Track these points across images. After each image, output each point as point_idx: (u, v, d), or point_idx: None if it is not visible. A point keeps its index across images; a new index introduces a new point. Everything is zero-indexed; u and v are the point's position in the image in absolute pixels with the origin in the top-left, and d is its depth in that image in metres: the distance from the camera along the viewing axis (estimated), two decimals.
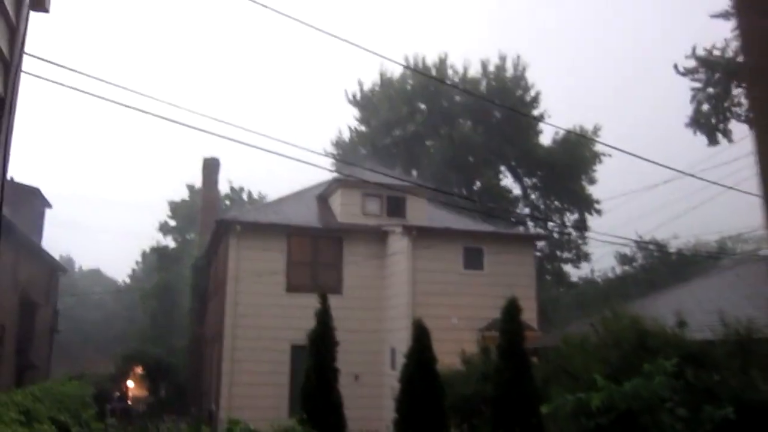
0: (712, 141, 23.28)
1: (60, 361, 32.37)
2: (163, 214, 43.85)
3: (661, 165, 10.32)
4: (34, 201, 25.76)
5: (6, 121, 2.58)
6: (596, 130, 34.46)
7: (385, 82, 37.34)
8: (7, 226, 19.87)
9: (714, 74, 22.46)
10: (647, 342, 8.87)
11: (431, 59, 36.59)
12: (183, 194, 42.93)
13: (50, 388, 14.72)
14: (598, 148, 35.00)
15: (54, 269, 29.53)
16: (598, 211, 34.61)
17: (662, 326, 9.19)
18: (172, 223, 42.82)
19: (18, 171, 52.75)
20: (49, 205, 27.77)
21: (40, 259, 26.43)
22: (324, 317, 10.16)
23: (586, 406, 6.97)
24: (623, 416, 6.88)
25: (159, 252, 37.43)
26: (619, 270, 40.74)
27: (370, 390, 17.06)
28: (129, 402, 24.47)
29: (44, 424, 9.29)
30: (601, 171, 35.69)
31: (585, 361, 9.45)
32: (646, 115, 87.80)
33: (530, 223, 35.04)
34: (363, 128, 38.22)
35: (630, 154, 10.04)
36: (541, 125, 35.74)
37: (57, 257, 38.25)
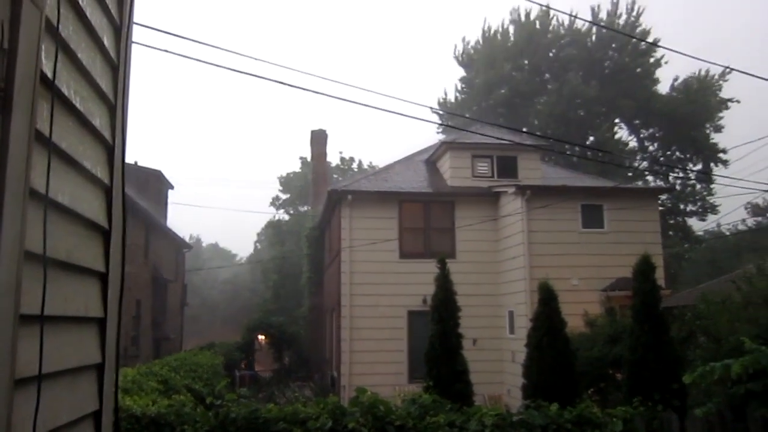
0: None
1: (191, 333, 34.45)
2: (276, 189, 45.28)
3: None
4: (157, 183, 27.20)
5: (121, 88, 2.47)
6: (724, 73, 31.76)
7: (488, 39, 36.23)
8: (135, 208, 21.06)
9: None
10: None
11: (535, 10, 34.98)
12: (295, 168, 44.03)
13: (185, 359, 15.61)
14: (726, 93, 32.30)
15: (180, 246, 31.24)
16: (725, 162, 32.05)
17: None
18: (285, 196, 44.09)
19: (141, 155, 56.04)
20: (171, 187, 29.26)
21: (167, 238, 27.99)
22: (444, 282, 9.94)
23: (734, 372, 6.33)
24: None
25: (274, 226, 38.70)
26: (750, 222, 37.98)
27: (488, 354, 16.82)
28: (256, 370, 25.56)
29: (181, 394, 9.77)
30: (728, 118, 32.95)
31: (729, 322, 8.73)
32: None
33: (649, 177, 33.09)
34: (468, 88, 37.44)
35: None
36: (658, 72, 33.42)
37: (187, 236, 40.48)
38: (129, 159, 25.83)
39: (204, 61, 6.65)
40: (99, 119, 2.27)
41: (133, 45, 2.92)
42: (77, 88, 2.03)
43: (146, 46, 5.38)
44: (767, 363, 6.27)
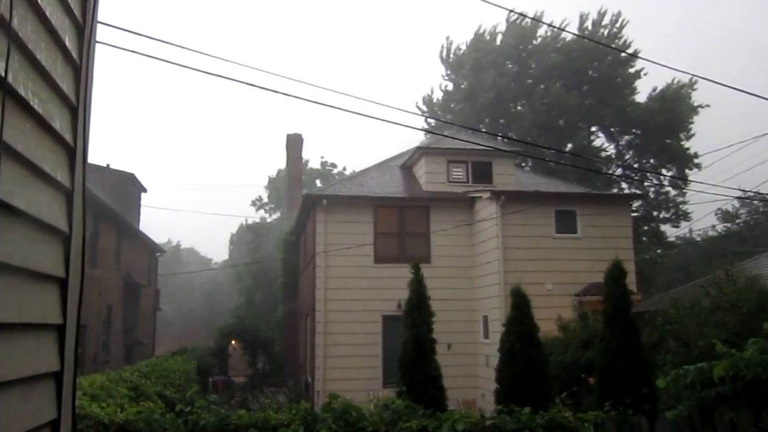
0: None
1: (164, 339, 34.03)
2: (257, 192, 45.51)
3: None
4: (130, 186, 26.86)
5: (83, 89, 2.42)
6: (692, 83, 32.44)
7: (477, 42, 36.40)
8: (107, 211, 20.77)
9: None
10: None
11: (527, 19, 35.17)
12: (281, 166, 44.11)
13: (156, 365, 15.41)
14: (696, 100, 33.02)
15: (153, 251, 30.86)
16: (698, 165, 32.64)
17: None
18: (266, 198, 44.22)
19: (113, 157, 55.30)
20: (144, 190, 28.92)
21: (140, 242, 27.65)
22: (418, 287, 9.93)
23: (708, 375, 6.39)
24: (749, 385, 6.29)
25: (251, 230, 38.47)
26: (720, 228, 38.66)
27: (463, 359, 16.88)
28: (229, 375, 25.32)
29: (151, 400, 9.62)
30: (699, 125, 33.58)
31: (698, 326, 8.85)
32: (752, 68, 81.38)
33: (624, 185, 33.57)
34: (452, 90, 37.66)
35: (742, 91, 9.15)
36: (637, 84, 34.04)
37: (164, 241, 39.76)
38: (101, 162, 25.43)
39: (177, 64, 6.56)
40: (60, 121, 2.22)
41: (106, 47, 2.86)
42: (36, 89, 1.98)
43: (112, 46, 5.28)
44: (744, 367, 6.32)
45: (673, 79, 33.20)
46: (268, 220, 42.01)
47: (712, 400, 6.72)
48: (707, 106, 33.17)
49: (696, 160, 32.43)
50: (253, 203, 44.69)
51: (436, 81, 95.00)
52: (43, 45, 2.05)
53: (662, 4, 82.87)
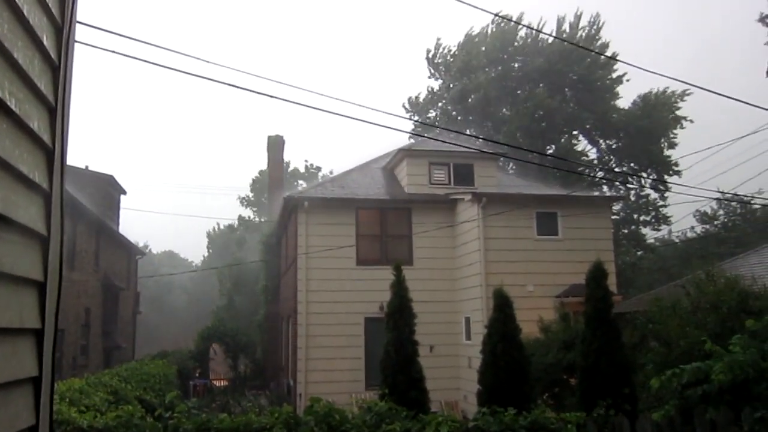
0: None
1: (145, 342, 33.69)
2: (238, 194, 45.36)
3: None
4: (109, 188, 26.55)
5: (62, 90, 2.38)
6: (684, 93, 32.64)
7: (465, 44, 36.45)
8: (85, 213, 20.51)
9: None
10: (749, 304, 8.27)
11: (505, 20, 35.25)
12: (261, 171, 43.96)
13: (136, 368, 15.23)
14: (681, 112, 33.22)
15: (132, 253, 30.53)
16: (678, 172, 32.92)
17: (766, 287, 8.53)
18: (253, 198, 44.17)
19: (92, 159, 54.69)
20: (123, 192, 28.60)
21: (119, 244, 27.33)
22: (399, 289, 9.92)
23: (704, 375, 6.41)
24: (736, 384, 6.36)
25: (231, 232, 38.26)
26: (699, 229, 39.09)
27: (445, 360, 16.90)
28: (210, 379, 25.12)
29: (131, 405, 9.50)
30: (682, 136, 33.84)
31: (679, 327, 8.92)
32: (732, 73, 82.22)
33: (605, 188, 33.84)
34: (439, 91, 37.73)
35: (725, 96, 9.27)
36: (619, 90, 34.25)
37: (142, 243, 39.27)
38: (81, 163, 25.09)
39: (158, 64, 6.48)
40: (37, 122, 2.18)
41: (85, 47, 2.82)
42: (12, 89, 1.93)
43: (92, 46, 5.20)
44: (738, 368, 6.36)
45: (666, 89, 33.32)
46: (255, 220, 41.90)
47: (697, 399, 6.78)
48: (691, 121, 33.36)
49: (676, 168, 32.68)
50: (242, 202, 44.66)
51: (423, 82, 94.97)
52: (20, 44, 2.01)
53: (656, 6, 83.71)
